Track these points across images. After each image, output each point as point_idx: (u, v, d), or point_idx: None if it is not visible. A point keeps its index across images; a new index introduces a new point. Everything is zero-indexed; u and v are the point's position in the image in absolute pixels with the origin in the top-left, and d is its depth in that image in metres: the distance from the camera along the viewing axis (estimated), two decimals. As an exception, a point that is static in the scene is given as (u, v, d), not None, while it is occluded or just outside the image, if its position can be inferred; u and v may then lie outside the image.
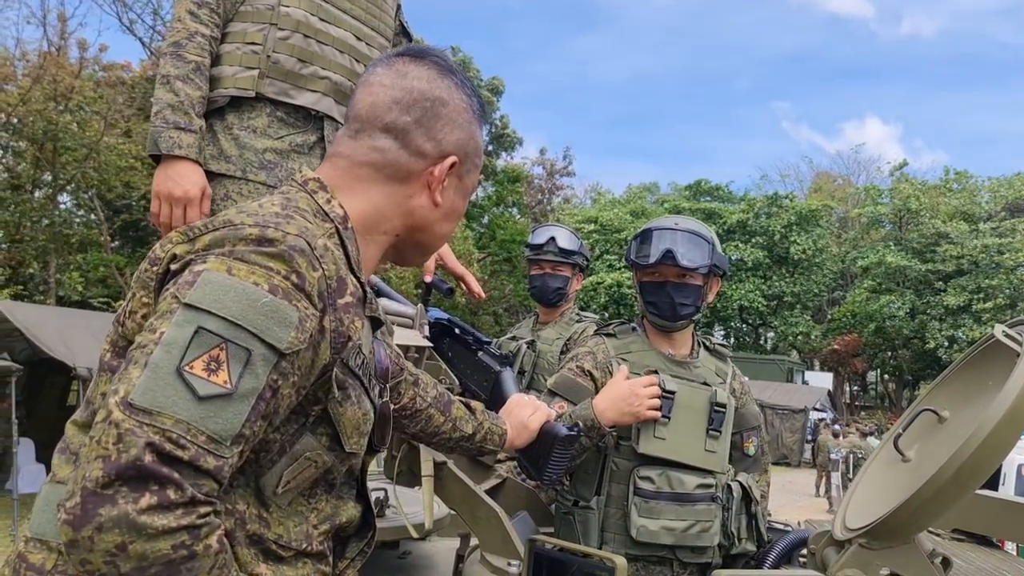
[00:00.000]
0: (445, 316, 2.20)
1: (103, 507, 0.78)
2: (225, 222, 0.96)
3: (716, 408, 2.17)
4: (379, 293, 2.35)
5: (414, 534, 2.22)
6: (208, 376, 0.85)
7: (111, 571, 0.79)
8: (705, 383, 2.22)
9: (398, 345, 2.07)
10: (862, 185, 42.43)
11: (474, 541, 2.22)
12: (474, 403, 1.65)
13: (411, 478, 2.22)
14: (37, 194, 21.37)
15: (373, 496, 2.31)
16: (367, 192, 1.14)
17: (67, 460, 1.01)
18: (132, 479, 0.79)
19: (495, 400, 1.98)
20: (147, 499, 0.79)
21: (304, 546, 1.05)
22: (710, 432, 2.16)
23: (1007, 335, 1.69)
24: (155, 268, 0.98)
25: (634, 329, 2.36)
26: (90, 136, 19.69)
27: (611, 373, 2.23)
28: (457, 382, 2.15)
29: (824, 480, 16.77)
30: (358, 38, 2.20)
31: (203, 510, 0.84)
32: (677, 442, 2.13)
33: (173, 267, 0.95)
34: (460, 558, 2.36)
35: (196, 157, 1.95)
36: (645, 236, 2.25)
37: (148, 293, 0.98)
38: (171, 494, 0.81)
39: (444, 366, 2.18)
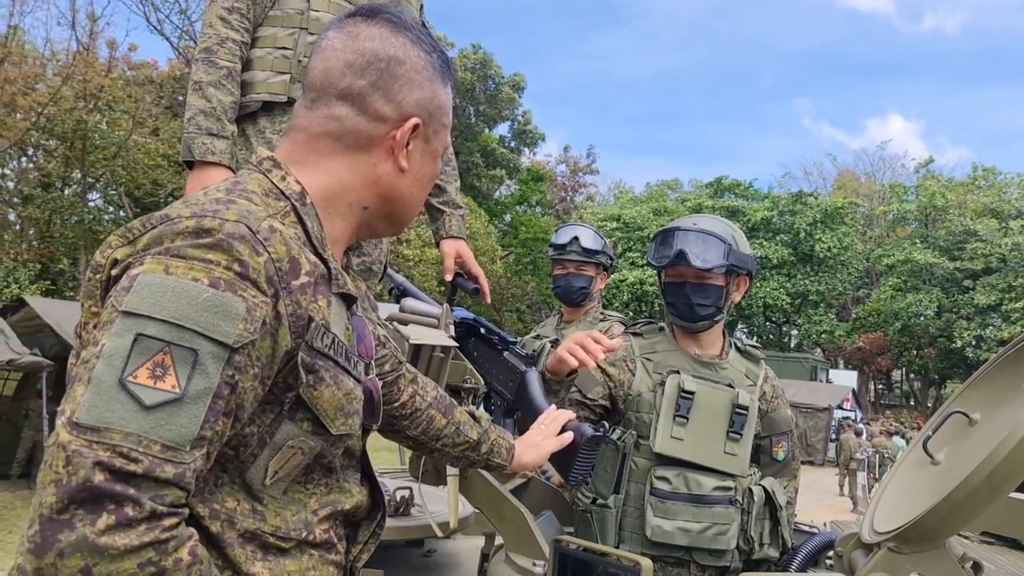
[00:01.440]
0: (471, 315, 2.20)
1: (61, 533, 0.76)
2: (163, 217, 0.93)
3: (738, 410, 2.15)
4: (405, 292, 2.37)
5: (439, 533, 2.24)
6: (154, 384, 0.83)
7: None
8: (730, 385, 2.20)
9: (423, 344, 2.08)
10: (887, 183, 41.89)
11: (499, 540, 2.23)
12: (479, 412, 1.59)
13: (436, 477, 2.23)
14: (67, 192, 21.73)
15: (399, 494, 2.35)
16: (327, 164, 1.09)
17: None
18: (86, 501, 0.77)
19: (520, 400, 1.99)
20: (105, 519, 0.77)
21: (305, 535, 1.03)
22: (730, 434, 2.13)
23: (1040, 338, 1.67)
24: (98, 276, 0.94)
25: (661, 329, 2.35)
26: (119, 134, 19.98)
27: (632, 372, 2.23)
28: (483, 382, 2.15)
29: (848, 479, 16.61)
30: None
31: (168, 523, 0.81)
32: (695, 443, 2.11)
33: (114, 273, 0.92)
34: (485, 557, 2.37)
35: (229, 163, 1.97)
36: (664, 237, 2.23)
37: (95, 303, 0.94)
38: (129, 511, 0.78)
39: (470, 366, 2.19)
